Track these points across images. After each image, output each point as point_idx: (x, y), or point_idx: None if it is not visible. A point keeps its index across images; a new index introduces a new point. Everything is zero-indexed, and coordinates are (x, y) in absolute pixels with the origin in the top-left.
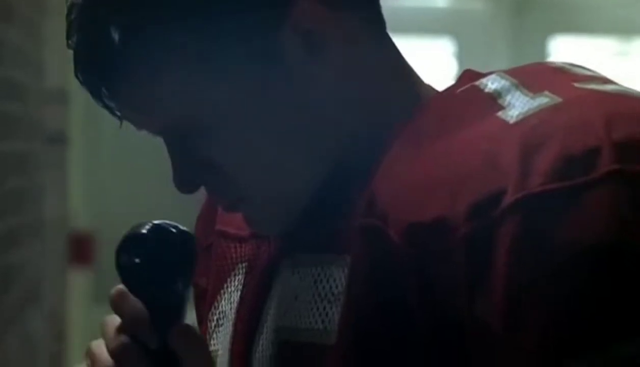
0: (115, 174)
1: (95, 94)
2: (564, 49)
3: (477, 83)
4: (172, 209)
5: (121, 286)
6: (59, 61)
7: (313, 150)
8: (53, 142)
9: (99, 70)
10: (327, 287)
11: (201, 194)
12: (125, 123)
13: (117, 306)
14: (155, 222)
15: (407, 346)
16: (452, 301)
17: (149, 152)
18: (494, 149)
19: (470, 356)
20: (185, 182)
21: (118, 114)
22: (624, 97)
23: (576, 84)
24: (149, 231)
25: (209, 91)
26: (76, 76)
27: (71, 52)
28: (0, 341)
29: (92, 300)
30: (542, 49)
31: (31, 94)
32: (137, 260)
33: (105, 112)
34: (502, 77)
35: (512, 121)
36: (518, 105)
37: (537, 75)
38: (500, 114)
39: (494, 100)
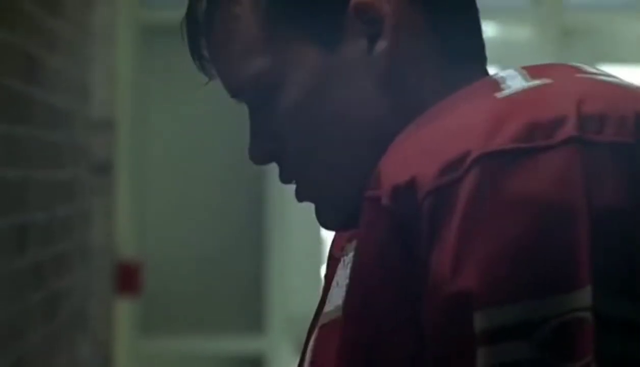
0: (162, 203)
1: (195, 47)
2: None
3: (493, 74)
4: (218, 239)
5: None
6: (105, 89)
7: (361, 140)
8: (99, 170)
9: (199, 23)
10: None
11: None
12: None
13: None
14: None
15: (399, 307)
16: (421, 254)
17: (196, 181)
18: (475, 118)
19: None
20: (256, 152)
21: (208, 71)
22: (614, 85)
23: (577, 74)
24: None
25: (278, 56)
26: (181, 29)
27: (116, 81)
28: (48, 365)
29: (140, 330)
30: None
31: (78, 123)
32: None
33: (152, 140)
34: (514, 69)
35: (499, 96)
36: (513, 87)
37: (549, 68)
38: (496, 94)
39: (497, 85)
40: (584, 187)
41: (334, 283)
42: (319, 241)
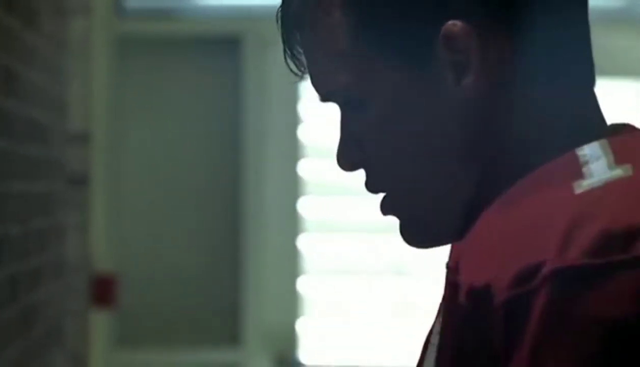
0: (138, 216)
1: (290, 42)
2: None
3: (578, 149)
4: (193, 251)
5: None
6: (81, 103)
7: (440, 166)
8: (75, 183)
9: (295, 21)
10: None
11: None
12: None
13: None
14: None
15: None
16: (496, 351)
17: (172, 194)
18: (550, 218)
19: None
20: (343, 158)
21: (299, 66)
22: None
23: None
24: None
25: (363, 73)
26: (276, 19)
27: (92, 94)
28: None
29: (116, 343)
30: None
31: (54, 136)
32: None
33: (128, 153)
34: (600, 144)
35: (577, 191)
36: (595, 176)
37: (636, 147)
38: (575, 182)
39: (579, 168)
40: None
41: (432, 340)
42: (295, 253)
